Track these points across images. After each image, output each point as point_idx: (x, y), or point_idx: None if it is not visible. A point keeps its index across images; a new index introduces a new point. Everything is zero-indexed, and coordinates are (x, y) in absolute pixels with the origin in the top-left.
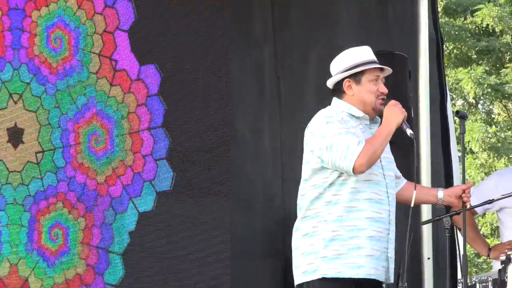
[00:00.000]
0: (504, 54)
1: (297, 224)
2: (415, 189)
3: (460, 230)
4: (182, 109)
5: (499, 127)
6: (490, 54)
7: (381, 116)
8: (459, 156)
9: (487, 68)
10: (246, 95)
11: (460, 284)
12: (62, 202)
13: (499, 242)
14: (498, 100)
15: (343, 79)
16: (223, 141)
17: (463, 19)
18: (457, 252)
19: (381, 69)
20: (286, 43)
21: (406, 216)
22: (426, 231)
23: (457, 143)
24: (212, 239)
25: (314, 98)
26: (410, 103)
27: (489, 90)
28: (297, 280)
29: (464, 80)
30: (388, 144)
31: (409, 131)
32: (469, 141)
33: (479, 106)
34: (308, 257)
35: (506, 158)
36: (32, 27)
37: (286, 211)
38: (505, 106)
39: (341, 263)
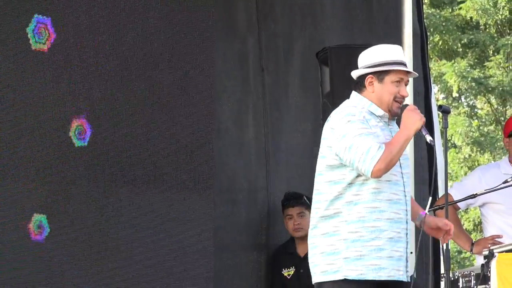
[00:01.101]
0: (487, 47)
1: (314, 222)
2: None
3: None
4: (166, 101)
5: (481, 121)
6: (474, 47)
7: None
8: (442, 150)
9: (471, 61)
10: (230, 86)
11: (443, 279)
12: None
13: (482, 237)
14: (482, 94)
15: (367, 74)
16: (206, 133)
17: (450, 11)
18: (440, 247)
19: (407, 72)
20: (270, 34)
21: None
22: None
23: (441, 137)
24: (196, 231)
25: (298, 89)
26: None
27: (473, 84)
28: (316, 279)
29: (448, 74)
30: None
31: (428, 138)
32: (452, 135)
33: (462, 99)
34: (329, 257)
35: (489, 152)
36: None
37: (270, 204)
38: (488, 100)
39: (363, 264)
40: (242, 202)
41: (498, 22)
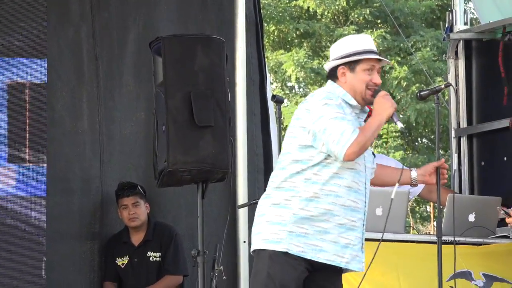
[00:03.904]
0: (323, 37)
1: (268, 192)
2: (400, 175)
3: None
4: None
5: None
6: (310, 37)
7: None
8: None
9: (309, 52)
10: (63, 75)
11: None
12: None
13: None
14: (318, 84)
15: (338, 65)
16: (40, 121)
17: (287, 1)
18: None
19: (379, 60)
20: (104, 23)
21: (221, 199)
22: (242, 215)
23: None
24: (27, 219)
25: (132, 78)
26: (227, 87)
27: (312, 74)
28: (256, 246)
29: (287, 64)
30: None
31: (400, 124)
32: (287, 125)
33: (296, 89)
34: (274, 226)
35: None
36: None
37: (103, 193)
38: None
39: (305, 242)
40: (75, 191)
41: (335, 12)
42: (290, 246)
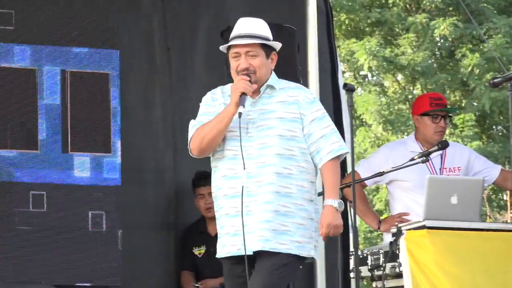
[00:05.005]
0: (395, 26)
1: None
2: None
3: (350, 203)
4: (69, 80)
5: (390, 100)
6: (382, 26)
7: None
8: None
9: (382, 40)
10: (136, 66)
11: (352, 256)
12: None
13: (389, 214)
14: (391, 72)
15: None
16: (113, 112)
17: None
18: (349, 225)
19: (247, 43)
20: (175, 13)
21: None
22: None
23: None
24: (104, 211)
25: (204, 67)
26: (299, 76)
27: (384, 63)
28: None
29: (359, 52)
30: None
31: (240, 109)
32: (362, 113)
33: (369, 78)
34: None
35: (402, 132)
36: None
37: (177, 183)
38: (396, 79)
39: (220, 242)
40: (149, 182)
41: (407, 0)
42: (217, 250)
